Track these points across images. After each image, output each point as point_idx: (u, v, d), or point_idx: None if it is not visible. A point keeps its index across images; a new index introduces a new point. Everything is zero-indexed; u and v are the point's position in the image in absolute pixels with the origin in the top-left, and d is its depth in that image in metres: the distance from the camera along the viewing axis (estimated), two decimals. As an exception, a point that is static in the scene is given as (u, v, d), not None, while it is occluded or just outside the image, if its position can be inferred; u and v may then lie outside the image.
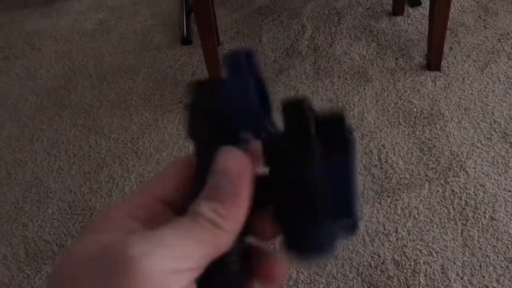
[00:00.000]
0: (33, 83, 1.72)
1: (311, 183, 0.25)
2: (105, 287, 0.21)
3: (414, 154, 1.32)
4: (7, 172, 1.44)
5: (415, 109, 1.44)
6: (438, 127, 1.38)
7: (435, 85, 1.51)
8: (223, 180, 0.24)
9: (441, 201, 1.21)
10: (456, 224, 1.16)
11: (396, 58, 1.61)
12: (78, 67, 1.76)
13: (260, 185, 0.26)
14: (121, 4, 2.05)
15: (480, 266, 1.08)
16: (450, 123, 1.39)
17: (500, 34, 1.66)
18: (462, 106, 1.44)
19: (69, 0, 2.11)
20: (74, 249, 0.23)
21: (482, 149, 1.31)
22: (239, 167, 0.25)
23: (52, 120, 1.57)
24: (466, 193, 1.22)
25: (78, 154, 1.45)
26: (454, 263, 1.09)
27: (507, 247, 1.10)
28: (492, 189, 1.22)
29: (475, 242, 1.12)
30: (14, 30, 1.98)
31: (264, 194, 0.26)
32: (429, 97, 1.47)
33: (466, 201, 1.20)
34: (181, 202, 0.26)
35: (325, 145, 0.25)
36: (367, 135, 1.38)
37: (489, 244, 1.11)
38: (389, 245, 1.14)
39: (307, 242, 0.25)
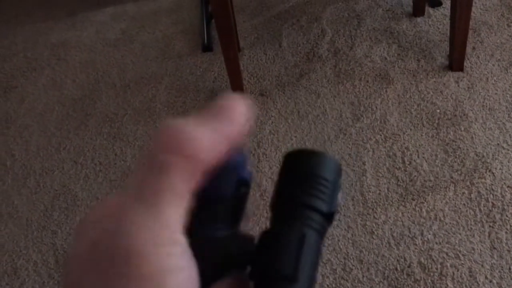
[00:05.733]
0: (59, 93, 1.77)
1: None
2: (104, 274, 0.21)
3: (439, 156, 1.31)
4: (36, 180, 1.47)
5: (438, 111, 1.43)
6: (463, 128, 1.37)
7: (458, 85, 1.49)
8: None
9: (467, 203, 1.19)
10: (483, 226, 1.14)
11: (418, 60, 1.60)
12: (102, 77, 1.80)
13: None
14: (142, 13, 2.09)
15: (509, 268, 1.06)
16: (475, 124, 1.37)
17: (525, 32, 1.63)
18: (486, 106, 1.42)
19: (92, 11, 2.15)
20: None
21: (508, 150, 1.29)
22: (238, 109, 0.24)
23: (78, 129, 1.61)
24: (492, 194, 1.20)
25: (104, 162, 1.48)
26: (482, 266, 1.08)
27: (537, 249, 1.08)
28: (520, 190, 1.20)
29: (504, 245, 1.10)
30: (40, 41, 2.03)
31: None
32: (452, 98, 1.46)
33: (493, 203, 1.18)
34: None
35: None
36: (390, 138, 1.38)
37: (518, 246, 1.09)
38: (415, 248, 1.13)
39: None
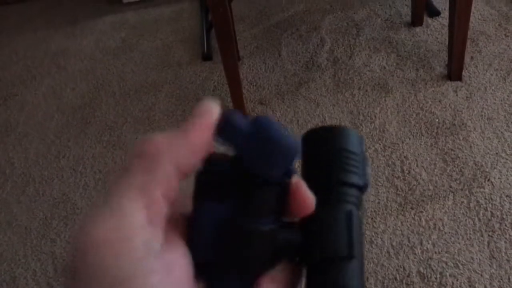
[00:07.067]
0: (59, 101, 1.77)
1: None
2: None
3: (437, 165, 1.31)
4: (35, 189, 1.47)
5: (437, 120, 1.43)
6: (461, 138, 1.37)
7: (456, 95, 1.50)
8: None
9: (466, 212, 1.20)
10: (482, 235, 1.15)
11: (417, 69, 1.61)
12: (102, 85, 1.80)
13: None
14: (142, 22, 2.10)
15: (509, 278, 1.06)
16: (473, 133, 1.38)
17: (522, 42, 1.64)
18: (485, 115, 1.42)
19: (92, 19, 2.16)
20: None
21: (506, 159, 1.30)
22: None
23: (78, 137, 1.61)
24: (491, 204, 1.20)
25: (103, 170, 1.48)
26: (482, 275, 1.08)
27: (536, 259, 1.08)
28: (519, 200, 1.20)
29: (503, 254, 1.10)
30: (40, 50, 2.04)
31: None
32: (451, 107, 1.46)
33: (492, 212, 1.19)
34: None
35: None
36: (389, 147, 1.38)
37: (517, 256, 1.09)
38: (414, 258, 1.13)
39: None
